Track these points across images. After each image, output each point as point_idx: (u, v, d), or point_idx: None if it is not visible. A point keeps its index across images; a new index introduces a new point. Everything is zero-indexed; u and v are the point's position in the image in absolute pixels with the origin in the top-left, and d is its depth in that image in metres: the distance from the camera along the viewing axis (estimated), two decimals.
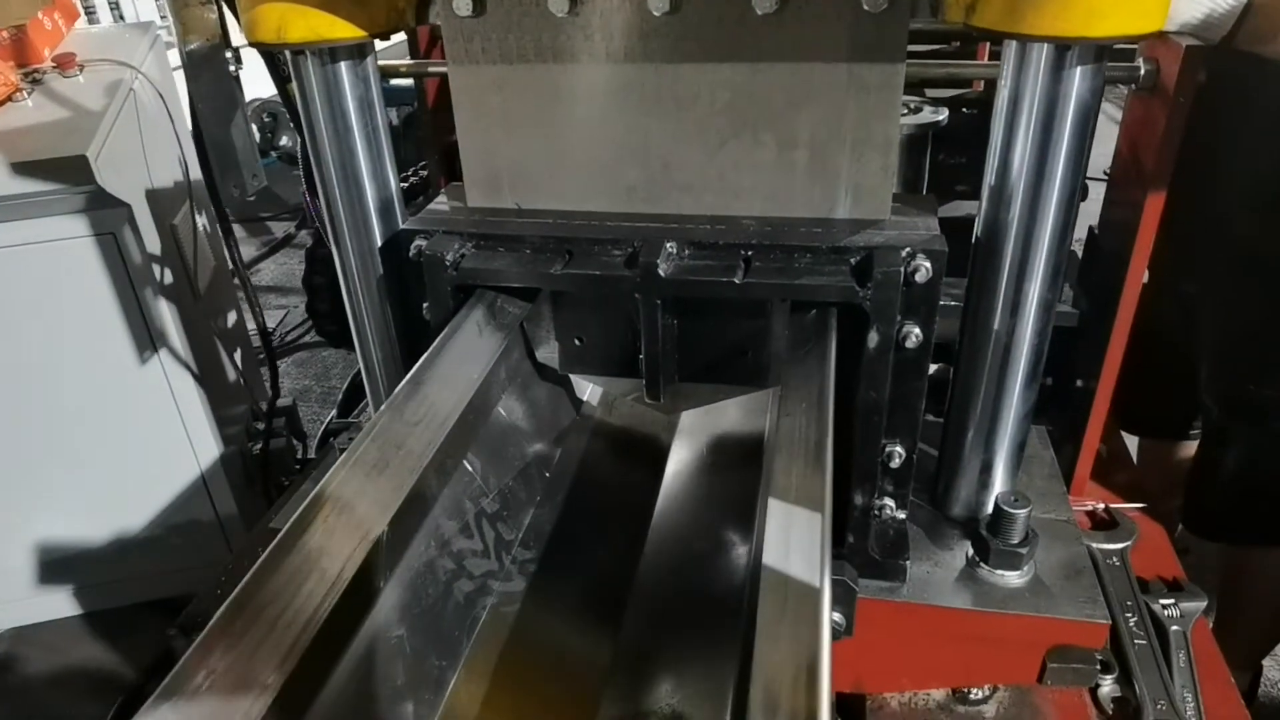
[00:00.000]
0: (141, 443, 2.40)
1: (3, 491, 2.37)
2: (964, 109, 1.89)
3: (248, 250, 5.66)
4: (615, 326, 1.14)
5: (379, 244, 1.17)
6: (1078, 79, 0.89)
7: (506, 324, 1.08)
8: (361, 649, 0.76)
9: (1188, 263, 1.82)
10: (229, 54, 1.13)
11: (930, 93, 1.97)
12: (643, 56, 1.01)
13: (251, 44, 1.01)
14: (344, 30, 1.00)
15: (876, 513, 1.10)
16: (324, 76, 1.06)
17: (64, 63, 2.24)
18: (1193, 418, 2.11)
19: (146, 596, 2.61)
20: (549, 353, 1.19)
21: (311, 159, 1.13)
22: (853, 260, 0.99)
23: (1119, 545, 1.43)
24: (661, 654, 0.97)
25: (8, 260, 2.04)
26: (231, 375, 2.78)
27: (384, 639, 0.82)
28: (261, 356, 4.49)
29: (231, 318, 2.98)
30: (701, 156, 1.06)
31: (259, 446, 2.74)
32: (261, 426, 2.74)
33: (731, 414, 1.21)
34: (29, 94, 2.15)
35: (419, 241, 1.08)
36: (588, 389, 1.27)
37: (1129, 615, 1.31)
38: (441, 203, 1.19)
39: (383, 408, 0.91)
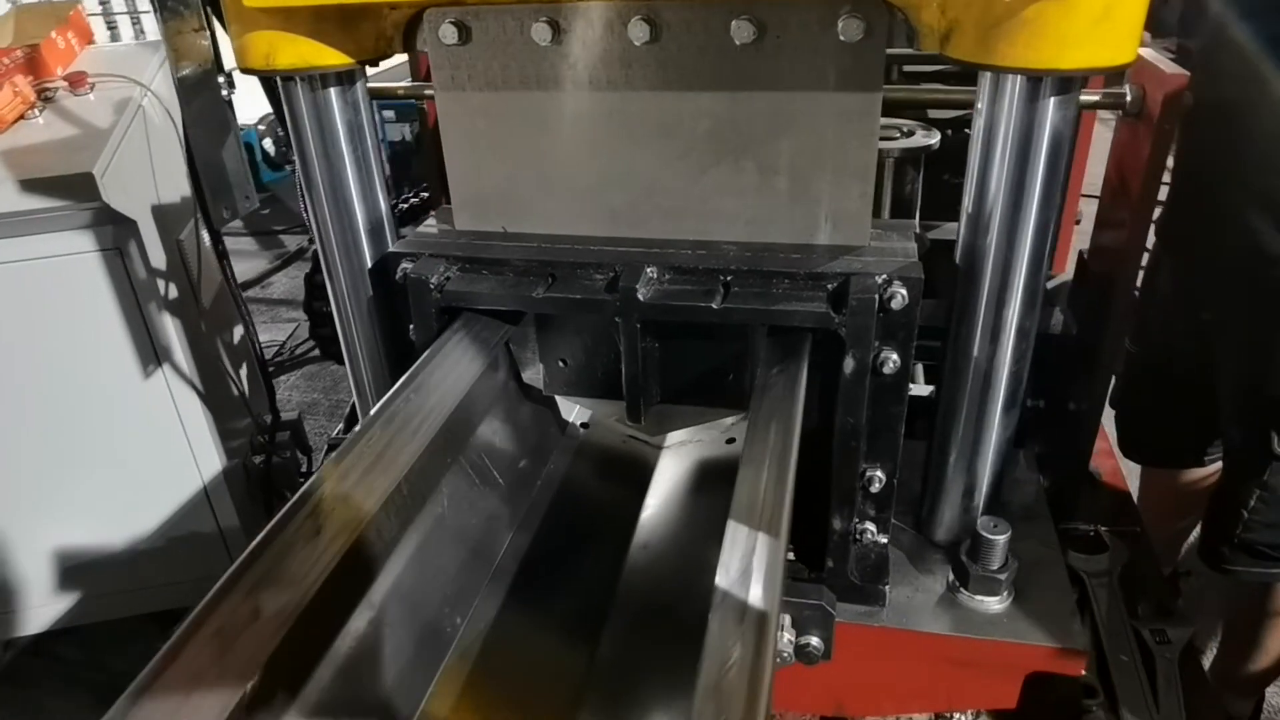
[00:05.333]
0: (145, 455, 2.43)
1: (7, 502, 2.40)
2: (966, 129, 1.89)
3: (259, 263, 5.72)
4: (599, 349, 1.16)
5: (369, 266, 1.19)
6: (1051, 109, 0.90)
7: (489, 346, 1.09)
8: (328, 669, 0.77)
9: (1205, 290, 1.80)
10: (221, 79, 1.15)
11: (933, 114, 1.98)
12: (625, 84, 1.03)
13: (242, 71, 1.03)
14: (332, 58, 1.03)
15: (857, 537, 1.10)
16: (313, 102, 1.08)
17: (75, 81, 2.28)
18: (1203, 447, 2.08)
19: (149, 608, 2.63)
20: (535, 374, 1.20)
21: (302, 183, 1.15)
22: (829, 286, 1.00)
23: (1108, 568, 1.42)
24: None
25: (16, 274, 2.07)
26: (236, 389, 2.81)
27: (357, 650, 0.83)
28: (270, 369, 4.56)
29: (238, 332, 3.01)
30: (684, 182, 1.07)
31: (263, 460, 2.76)
32: (270, 439, 2.77)
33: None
34: (40, 111, 2.19)
35: (405, 264, 1.09)
36: (574, 409, 1.28)
37: (1116, 639, 1.30)
38: (431, 225, 1.21)
39: (356, 429, 0.92)
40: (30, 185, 1.95)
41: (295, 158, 1.13)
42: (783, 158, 1.04)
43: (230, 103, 1.20)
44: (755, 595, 0.71)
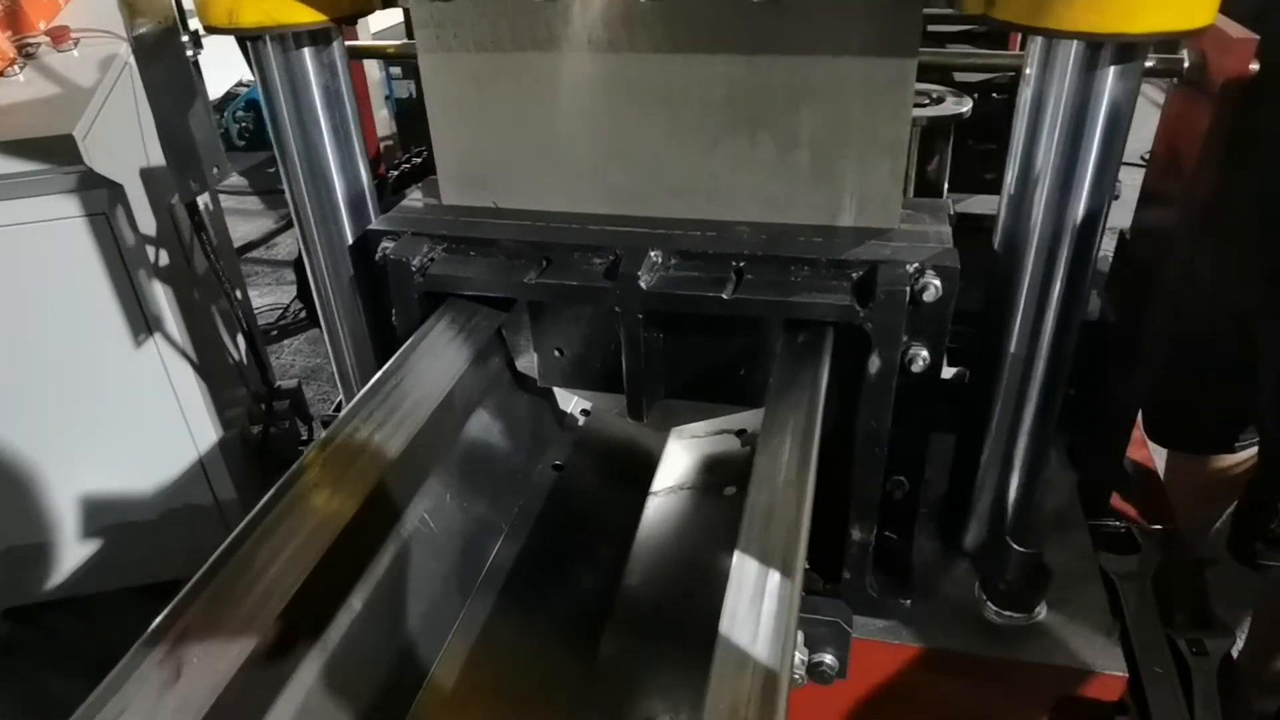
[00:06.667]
0: (137, 426, 2.36)
1: None
2: (994, 94, 1.78)
3: (264, 223, 5.61)
4: (598, 339, 1.06)
5: (349, 242, 1.10)
6: (1111, 79, 0.79)
7: (478, 335, 1.00)
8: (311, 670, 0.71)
9: (1251, 275, 1.69)
10: (185, 38, 1.04)
11: (959, 76, 1.85)
12: (629, 46, 0.92)
13: (205, 29, 0.93)
14: (302, 14, 0.92)
15: (876, 547, 1.01)
16: (285, 64, 0.98)
17: (58, 36, 2.17)
18: (1235, 434, 2.00)
19: (144, 580, 2.59)
20: (529, 363, 1.11)
21: (276, 153, 1.05)
22: (854, 275, 0.90)
23: (1140, 570, 1.34)
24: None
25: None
26: (232, 358, 2.73)
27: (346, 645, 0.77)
28: (274, 333, 4.49)
29: (237, 296, 2.93)
30: (693, 157, 0.97)
31: (260, 430, 2.70)
32: (266, 409, 2.70)
33: None
34: (21, 68, 2.09)
35: (385, 244, 1.00)
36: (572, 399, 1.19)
37: (1148, 649, 1.22)
38: (416, 199, 1.11)
39: (330, 427, 0.84)
40: (7, 147, 1.85)
41: (268, 125, 1.03)
42: (804, 130, 0.93)
43: (197, 64, 1.10)
44: (768, 621, 0.63)
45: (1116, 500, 1.43)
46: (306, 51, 0.98)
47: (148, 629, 0.68)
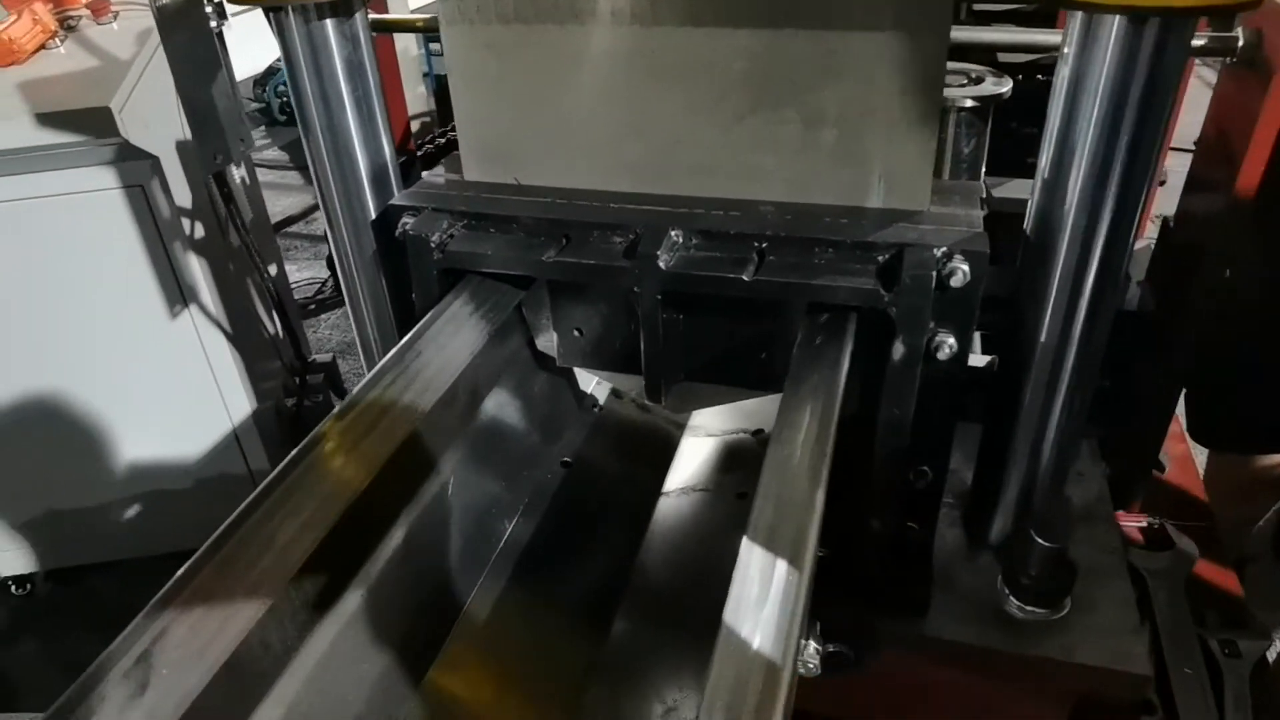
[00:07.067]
0: (174, 397, 2.41)
1: (38, 440, 2.40)
2: (1039, 75, 1.72)
3: (304, 198, 5.66)
4: (617, 319, 1.05)
5: (372, 217, 1.09)
6: (1154, 58, 0.75)
7: (496, 312, 0.99)
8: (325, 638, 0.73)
9: None
10: (209, 9, 1.04)
11: (1004, 57, 1.80)
12: (650, 19, 0.90)
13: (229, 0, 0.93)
14: None
15: (897, 537, 0.99)
16: (307, 35, 0.97)
17: (98, 9, 2.19)
18: None
19: (179, 547, 2.64)
20: (548, 342, 1.10)
21: (299, 125, 1.05)
22: (880, 259, 0.87)
23: (1172, 567, 1.30)
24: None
25: (38, 211, 2.03)
26: (267, 330, 2.76)
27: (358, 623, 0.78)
28: (311, 307, 4.53)
29: (271, 271, 2.96)
30: (716, 133, 0.94)
31: (294, 403, 2.74)
32: (300, 382, 2.74)
33: None
34: (62, 41, 2.12)
35: (406, 219, 0.99)
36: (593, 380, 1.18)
37: (1178, 649, 1.19)
38: (438, 174, 1.10)
39: (344, 401, 0.84)
40: (47, 119, 1.88)
41: (290, 98, 1.02)
42: (830, 106, 0.90)
43: (221, 36, 1.10)
44: (775, 604, 0.62)
45: (1150, 495, 1.39)
46: (329, 23, 0.97)
47: (160, 590, 0.69)
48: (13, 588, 2.73)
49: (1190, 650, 1.19)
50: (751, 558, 0.65)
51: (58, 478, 2.51)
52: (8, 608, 2.72)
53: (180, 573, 0.70)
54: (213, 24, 1.06)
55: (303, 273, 4.80)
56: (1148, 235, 1.53)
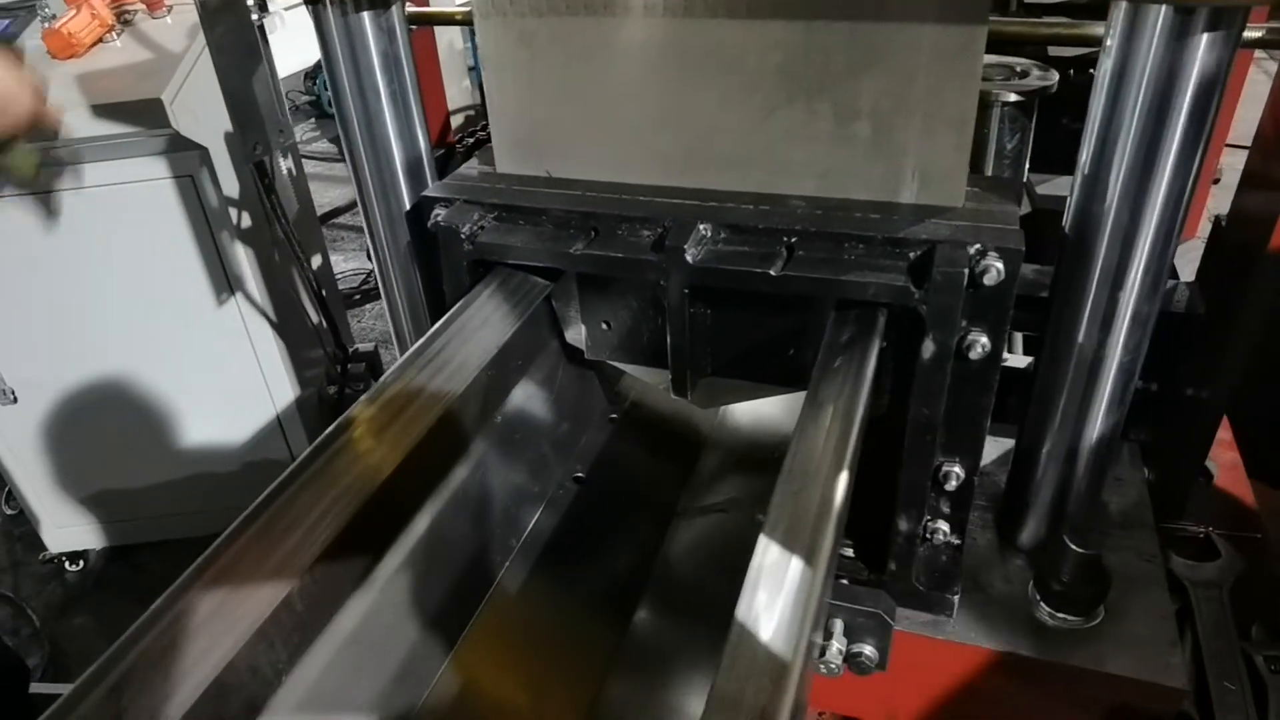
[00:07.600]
0: (220, 382, 2.47)
1: (93, 423, 2.47)
2: (1091, 69, 1.67)
3: (351, 190, 5.76)
4: (645, 313, 1.04)
5: (406, 208, 1.10)
6: (1203, 49, 0.72)
7: (525, 303, 0.99)
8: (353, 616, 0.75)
9: None
10: (251, 1, 1.06)
11: (1054, 51, 1.75)
12: (683, 10, 0.89)
13: None
14: None
15: (926, 537, 0.97)
16: (345, 28, 0.99)
17: (153, 3, 2.25)
18: None
19: (222, 528, 2.71)
20: (577, 335, 1.10)
21: (337, 118, 1.06)
22: (911, 255, 0.86)
23: (1218, 578, 1.26)
24: None
25: (91, 200, 2.09)
26: (311, 319, 2.81)
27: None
28: (356, 297, 4.60)
29: (316, 261, 3.01)
30: (748, 126, 0.94)
31: (336, 390, 2.78)
32: (341, 370, 2.78)
33: None
34: (118, 35, 2.17)
35: (438, 211, 1.00)
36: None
37: (1220, 663, 1.15)
38: (472, 167, 1.11)
39: (372, 389, 0.85)
40: (102, 110, 1.94)
41: (329, 89, 1.04)
42: (864, 100, 0.89)
43: (262, 28, 1.12)
44: (788, 601, 0.61)
45: (1198, 503, 1.34)
46: (366, 16, 0.99)
47: (190, 565, 0.71)
48: (67, 564, 2.82)
49: (1233, 665, 1.15)
50: (766, 554, 0.64)
51: (111, 459, 2.58)
52: (63, 584, 2.82)
53: (211, 549, 0.72)
54: (254, 16, 1.08)
55: (349, 263, 4.87)
56: (1200, 234, 1.48)
